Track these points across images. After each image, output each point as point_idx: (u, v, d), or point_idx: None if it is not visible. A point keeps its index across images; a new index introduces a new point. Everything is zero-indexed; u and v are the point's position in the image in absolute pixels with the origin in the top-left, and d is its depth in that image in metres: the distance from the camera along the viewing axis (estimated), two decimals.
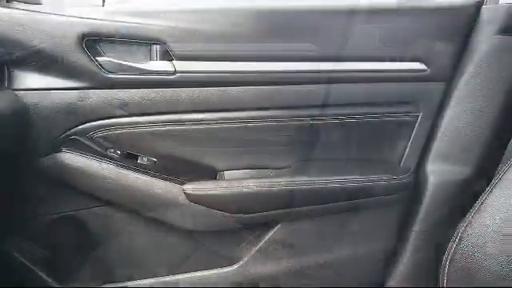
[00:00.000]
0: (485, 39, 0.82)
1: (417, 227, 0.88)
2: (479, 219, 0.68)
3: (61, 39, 0.74)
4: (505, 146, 0.81)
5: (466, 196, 0.82)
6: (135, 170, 0.81)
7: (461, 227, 0.70)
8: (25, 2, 0.81)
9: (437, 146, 0.88)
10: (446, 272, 0.70)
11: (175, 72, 0.79)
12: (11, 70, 0.74)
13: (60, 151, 0.78)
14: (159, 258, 0.86)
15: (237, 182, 0.83)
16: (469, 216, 0.69)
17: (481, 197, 0.69)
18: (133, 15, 0.77)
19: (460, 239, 0.69)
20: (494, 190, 0.68)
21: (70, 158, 0.78)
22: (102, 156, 0.80)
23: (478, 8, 0.84)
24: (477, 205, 0.69)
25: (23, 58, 0.74)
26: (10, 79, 0.74)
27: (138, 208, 0.82)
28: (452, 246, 0.70)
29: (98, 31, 0.76)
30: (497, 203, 0.67)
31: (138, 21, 0.77)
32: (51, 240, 0.83)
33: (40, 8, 0.78)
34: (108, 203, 0.82)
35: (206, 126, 0.83)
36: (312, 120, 0.87)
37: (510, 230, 0.64)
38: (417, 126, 0.89)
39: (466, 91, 0.84)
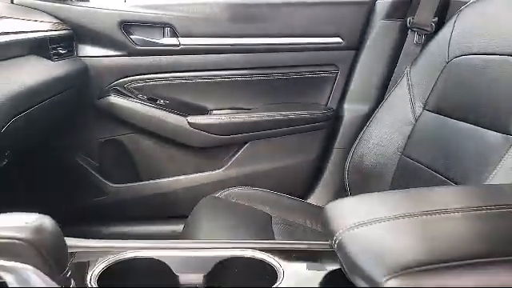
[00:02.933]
0: (377, 22, 1.28)
1: (336, 145, 1.36)
2: (365, 134, 1.15)
3: (107, 24, 1.18)
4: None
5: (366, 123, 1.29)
6: (155, 108, 1.26)
7: (357, 140, 1.17)
8: (81, 0, 1.24)
9: (349, 92, 1.34)
10: (347, 168, 1.18)
11: (180, 45, 1.24)
12: (78, 44, 1.18)
13: (109, 95, 1.23)
14: (171, 165, 1.33)
15: (221, 116, 1.30)
16: (362, 132, 1.17)
17: (369, 120, 1.16)
18: (152, 8, 1.22)
19: (355, 148, 1.17)
20: (376, 114, 1.15)
21: (115, 100, 1.23)
22: (135, 99, 1.25)
23: (373, 2, 1.29)
24: (366, 125, 1.16)
25: (84, 37, 1.18)
26: (77, 50, 1.18)
27: (157, 132, 1.28)
28: (351, 154, 1.17)
29: (130, 18, 1.20)
30: (375, 125, 1.14)
31: (155, 12, 1.21)
32: (102, 154, 1.30)
33: (89, 4, 1.21)
34: (138, 130, 1.28)
35: (201, 80, 1.29)
36: (270, 77, 1.33)
37: (377, 140, 1.11)
38: (337, 79, 1.35)
39: (366, 56, 1.30)
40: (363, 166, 1.14)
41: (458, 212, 0.51)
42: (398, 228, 0.49)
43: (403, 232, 0.48)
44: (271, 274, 0.56)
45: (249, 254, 0.59)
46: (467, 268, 0.41)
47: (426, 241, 0.46)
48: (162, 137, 1.29)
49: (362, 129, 1.16)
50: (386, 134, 1.11)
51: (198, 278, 0.55)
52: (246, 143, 1.33)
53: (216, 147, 1.33)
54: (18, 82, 0.77)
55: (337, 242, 0.48)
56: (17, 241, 0.36)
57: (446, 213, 0.51)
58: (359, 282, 0.43)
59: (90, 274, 0.54)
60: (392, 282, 0.39)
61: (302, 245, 0.63)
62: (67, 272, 0.40)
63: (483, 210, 0.51)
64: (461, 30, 0.99)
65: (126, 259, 0.57)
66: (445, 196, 0.60)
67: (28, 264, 0.37)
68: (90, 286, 0.51)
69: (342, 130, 1.34)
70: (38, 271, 0.37)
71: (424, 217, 0.50)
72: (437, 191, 0.68)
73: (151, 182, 1.33)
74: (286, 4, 1.28)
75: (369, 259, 0.42)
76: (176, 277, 0.56)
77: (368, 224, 0.49)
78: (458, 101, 0.95)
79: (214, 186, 1.31)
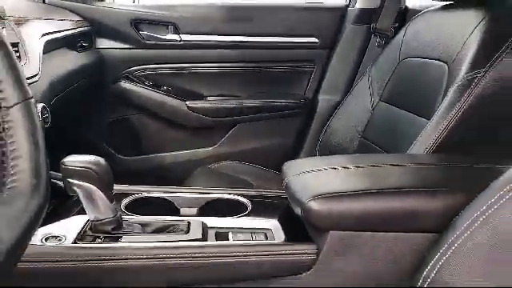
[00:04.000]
0: (348, 26, 1.52)
1: (311, 128, 1.60)
2: (333, 120, 1.40)
3: (120, 21, 1.41)
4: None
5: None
6: (159, 93, 1.50)
7: (327, 125, 1.42)
8: (99, 0, 1.46)
9: (323, 85, 1.59)
10: (318, 147, 1.43)
11: (181, 40, 1.47)
12: (96, 37, 1.41)
13: (121, 81, 1.47)
14: (171, 141, 1.58)
15: (215, 101, 1.54)
16: (331, 118, 1.41)
17: (337, 109, 1.41)
18: (158, 8, 1.45)
19: (325, 131, 1.41)
20: (343, 104, 1.40)
21: (126, 85, 1.47)
22: (142, 85, 1.49)
23: (346, 8, 1.53)
24: (335, 112, 1.41)
25: (101, 31, 1.41)
26: (95, 43, 1.41)
27: (160, 113, 1.52)
28: (321, 136, 1.42)
29: (140, 17, 1.43)
30: (342, 112, 1.38)
31: (161, 12, 1.44)
32: (113, 130, 1.53)
33: (105, 4, 1.44)
34: (144, 111, 1.52)
35: (198, 71, 1.53)
36: (256, 69, 1.57)
37: (343, 125, 1.36)
38: (313, 74, 1.59)
39: (338, 54, 1.55)
40: (330, 145, 1.39)
41: (375, 166, 0.76)
42: (330, 174, 0.74)
43: (332, 176, 0.73)
44: (243, 209, 0.81)
45: (228, 196, 0.84)
46: (364, 196, 0.66)
47: (342, 179, 0.71)
48: (164, 118, 1.54)
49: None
50: (350, 120, 1.35)
51: (193, 211, 0.80)
52: (235, 125, 1.58)
53: (209, 128, 1.58)
54: (58, 70, 1.00)
55: (285, 184, 0.73)
56: (86, 169, 0.60)
57: (367, 166, 0.76)
58: (295, 208, 0.68)
59: (118, 205, 0.78)
60: (312, 202, 0.63)
61: (268, 193, 0.89)
62: (113, 192, 0.64)
63: (395, 166, 0.76)
64: (409, 36, 1.24)
65: (143, 197, 0.82)
66: (371, 159, 0.85)
67: (91, 184, 0.61)
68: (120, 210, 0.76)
69: (316, 116, 1.58)
70: (97, 189, 0.62)
71: (350, 169, 0.75)
72: (368, 156, 0.93)
73: (154, 155, 1.58)
74: (270, 8, 1.53)
75: (301, 190, 0.67)
76: (178, 209, 0.80)
77: (308, 172, 0.73)
78: (403, 94, 1.19)
79: (207, 160, 1.57)
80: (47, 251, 0.60)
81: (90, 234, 0.65)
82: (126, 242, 0.63)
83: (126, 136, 1.56)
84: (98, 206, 0.63)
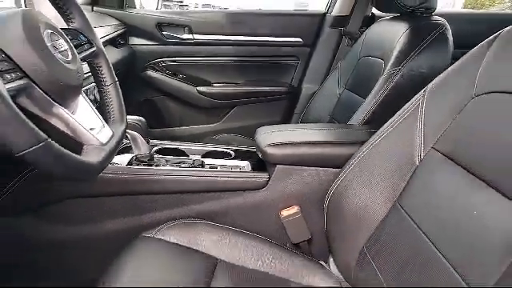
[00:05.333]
0: (326, 29, 1.91)
1: (295, 111, 2.01)
2: (311, 103, 1.81)
3: (147, 24, 1.84)
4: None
5: None
6: (176, 80, 1.93)
7: (306, 107, 1.83)
8: (130, 7, 1.89)
9: (306, 76, 1.99)
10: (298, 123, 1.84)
11: (194, 39, 1.89)
12: (129, 36, 1.84)
13: (147, 70, 1.90)
14: (185, 118, 2.01)
15: (219, 87, 1.97)
16: (309, 102, 1.82)
17: (314, 95, 1.82)
18: (176, 14, 1.87)
19: (305, 112, 1.82)
20: (318, 91, 1.80)
21: (151, 73, 1.91)
22: (163, 73, 1.92)
23: (324, 15, 1.92)
24: (312, 98, 1.81)
25: (132, 32, 1.84)
26: (128, 40, 1.84)
27: (177, 95, 1.96)
28: (301, 116, 1.83)
29: (162, 20, 1.86)
30: (317, 97, 1.79)
31: (179, 16, 1.86)
32: (142, 108, 1.97)
33: (136, 10, 1.87)
34: (165, 94, 1.96)
35: (207, 63, 1.95)
36: (252, 63, 1.98)
37: (317, 107, 1.77)
38: (297, 67, 2.00)
39: (317, 52, 1.94)
40: (308, 123, 1.80)
41: (315, 130, 1.17)
42: (283, 133, 1.15)
43: (283, 134, 1.14)
44: (229, 156, 1.24)
45: (220, 149, 1.27)
46: (299, 145, 1.07)
47: (289, 136, 1.12)
48: (180, 99, 1.97)
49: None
50: (323, 103, 1.76)
51: (198, 156, 1.24)
52: (235, 106, 2.01)
53: (215, 108, 2.01)
54: None
55: (255, 140, 1.15)
56: (133, 123, 1.04)
57: (310, 130, 1.17)
58: (258, 152, 1.10)
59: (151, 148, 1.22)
60: (266, 148, 1.05)
61: (246, 148, 1.31)
62: (148, 138, 1.07)
63: (329, 130, 1.17)
64: (366, 39, 1.63)
65: (166, 148, 1.26)
66: (317, 126, 1.26)
67: (136, 132, 1.04)
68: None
69: (299, 100, 1.99)
70: (139, 135, 1.05)
71: (297, 130, 1.16)
72: (316, 125, 1.34)
73: (172, 129, 2.03)
74: (264, 14, 1.94)
75: (262, 141, 1.09)
76: (188, 155, 1.24)
77: (269, 133, 1.15)
78: (359, 84, 1.59)
79: (212, 133, 2.00)
80: (111, 167, 1.03)
81: (135, 162, 1.09)
82: (156, 168, 1.07)
83: (151, 113, 2.00)
84: (139, 146, 1.07)
